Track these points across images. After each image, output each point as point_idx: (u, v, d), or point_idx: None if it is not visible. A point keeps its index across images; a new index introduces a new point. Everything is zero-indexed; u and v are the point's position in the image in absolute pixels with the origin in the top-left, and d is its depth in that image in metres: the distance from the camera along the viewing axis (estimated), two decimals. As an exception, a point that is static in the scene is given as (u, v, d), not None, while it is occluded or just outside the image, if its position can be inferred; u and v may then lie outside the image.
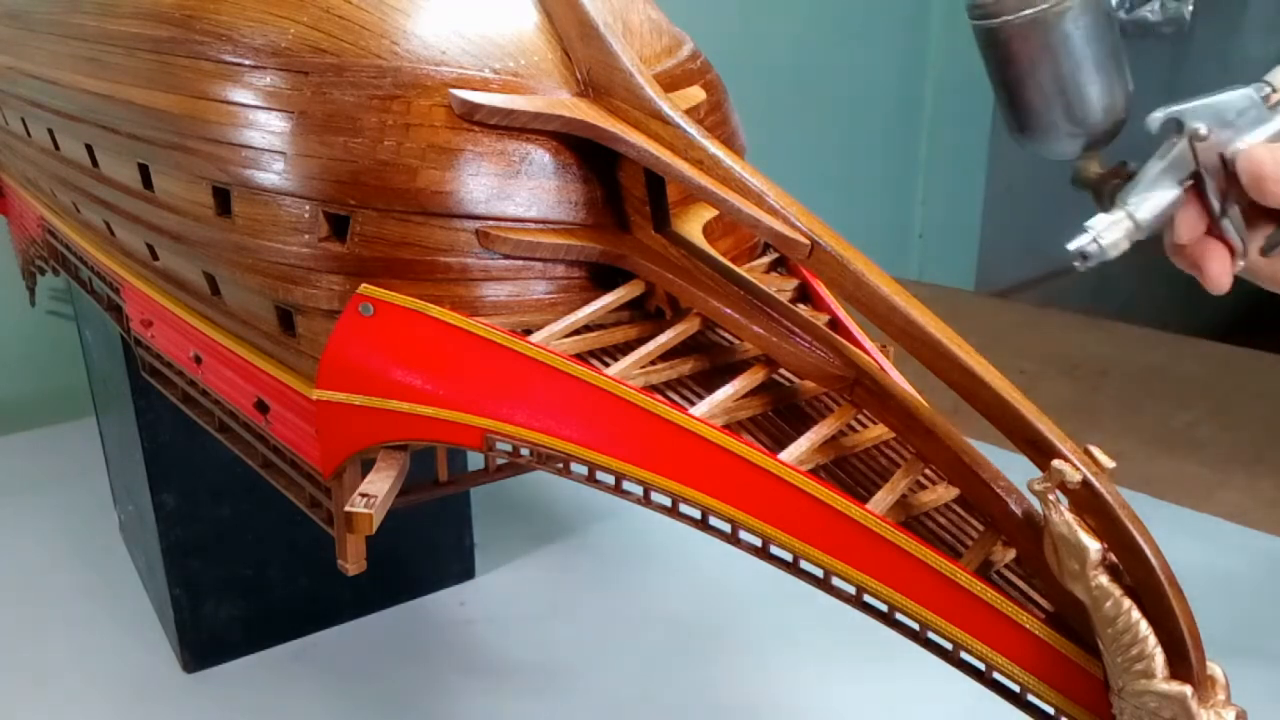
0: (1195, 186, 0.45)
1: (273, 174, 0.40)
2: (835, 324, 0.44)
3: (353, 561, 0.42)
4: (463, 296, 0.40)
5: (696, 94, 0.45)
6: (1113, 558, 0.29)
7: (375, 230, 0.39)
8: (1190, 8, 0.51)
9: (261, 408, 0.45)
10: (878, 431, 0.39)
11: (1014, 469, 0.35)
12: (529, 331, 0.39)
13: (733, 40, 1.47)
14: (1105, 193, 0.47)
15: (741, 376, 0.39)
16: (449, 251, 0.40)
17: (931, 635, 0.32)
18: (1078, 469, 0.30)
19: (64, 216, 0.65)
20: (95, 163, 0.53)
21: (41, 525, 0.87)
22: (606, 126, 0.40)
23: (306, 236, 0.40)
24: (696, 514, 0.35)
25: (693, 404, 0.37)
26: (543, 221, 0.40)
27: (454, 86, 0.39)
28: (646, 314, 0.42)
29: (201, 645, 0.67)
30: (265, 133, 0.40)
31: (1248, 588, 0.74)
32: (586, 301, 0.41)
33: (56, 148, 0.59)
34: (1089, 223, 0.46)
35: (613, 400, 0.35)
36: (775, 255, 0.49)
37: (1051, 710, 0.31)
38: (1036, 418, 0.32)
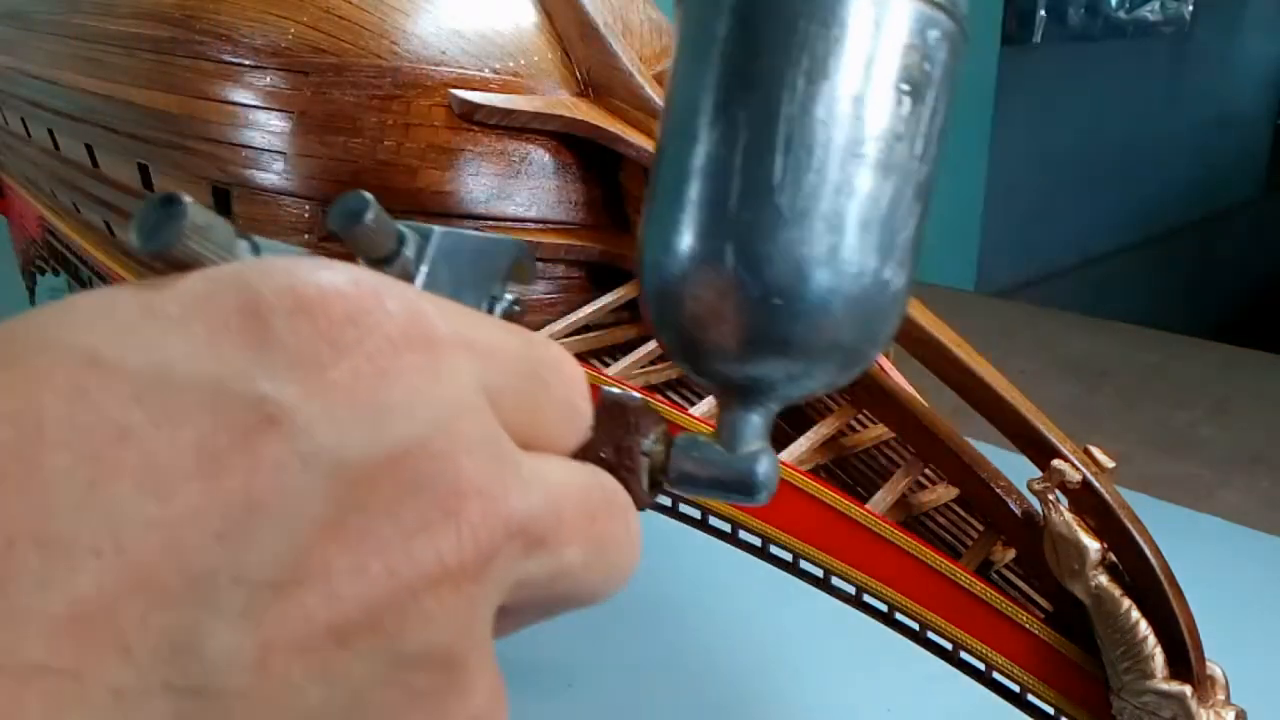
0: None
1: (273, 174, 0.40)
2: (835, 324, 0.44)
3: (353, 561, 0.42)
4: (463, 296, 0.40)
5: (696, 94, 0.45)
6: (1113, 558, 0.29)
7: (375, 230, 0.39)
8: (1190, 8, 0.51)
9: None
10: (878, 431, 0.39)
11: (1014, 469, 0.35)
12: (529, 331, 0.39)
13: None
14: None
15: (741, 376, 0.39)
16: (449, 251, 0.40)
17: (931, 635, 0.32)
18: (1078, 469, 0.30)
19: (64, 216, 0.65)
20: (95, 163, 0.53)
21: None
22: (607, 126, 0.40)
23: (306, 236, 0.40)
24: (696, 514, 0.35)
25: (692, 404, 0.37)
26: (543, 221, 0.40)
27: (454, 86, 0.39)
28: (646, 314, 0.42)
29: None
30: (265, 133, 0.40)
31: (1248, 588, 0.74)
32: (586, 301, 0.41)
33: (56, 148, 0.59)
34: None
35: (613, 400, 0.35)
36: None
37: (1051, 710, 0.31)
38: (1036, 418, 0.32)
